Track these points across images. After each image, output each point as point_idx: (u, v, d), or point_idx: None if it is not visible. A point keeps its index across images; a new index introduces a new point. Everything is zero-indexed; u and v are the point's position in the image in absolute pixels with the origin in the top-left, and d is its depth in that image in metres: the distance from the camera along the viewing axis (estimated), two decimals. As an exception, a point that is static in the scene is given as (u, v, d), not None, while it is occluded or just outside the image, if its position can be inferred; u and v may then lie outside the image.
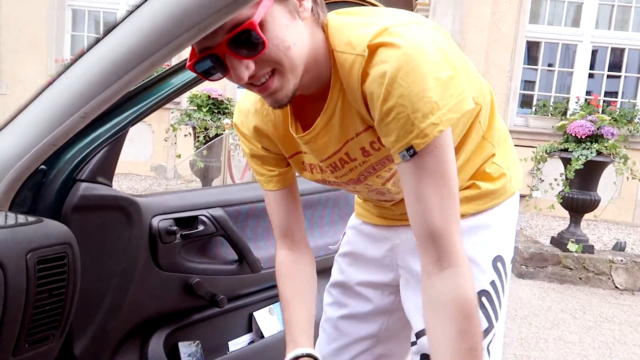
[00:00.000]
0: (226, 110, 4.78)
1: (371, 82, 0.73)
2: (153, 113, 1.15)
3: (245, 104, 0.95)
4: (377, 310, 1.13)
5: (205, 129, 4.57)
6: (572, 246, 3.98)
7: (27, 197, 0.99)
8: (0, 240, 0.73)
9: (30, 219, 0.83)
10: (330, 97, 0.80)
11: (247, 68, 0.71)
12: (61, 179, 1.03)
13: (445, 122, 0.71)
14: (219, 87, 5.26)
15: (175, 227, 1.23)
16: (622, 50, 6.83)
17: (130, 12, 0.69)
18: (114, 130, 1.06)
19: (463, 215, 0.92)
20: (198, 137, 4.62)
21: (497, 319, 0.96)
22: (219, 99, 4.78)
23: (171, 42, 0.68)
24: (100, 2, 7.27)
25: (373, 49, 0.72)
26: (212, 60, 0.71)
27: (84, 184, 1.04)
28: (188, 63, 0.73)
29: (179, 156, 4.90)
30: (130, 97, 1.11)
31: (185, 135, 5.08)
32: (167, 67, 1.20)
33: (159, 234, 1.20)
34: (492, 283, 0.96)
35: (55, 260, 0.80)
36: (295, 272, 1.04)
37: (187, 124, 4.82)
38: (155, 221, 1.20)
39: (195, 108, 4.73)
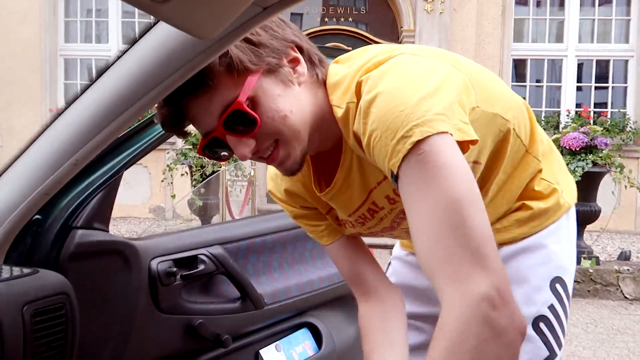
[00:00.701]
0: (221, 147, 4.80)
1: (356, 123, 0.71)
2: (148, 154, 1.15)
3: (273, 170, 0.95)
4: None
5: (202, 167, 4.58)
6: (585, 262, 3.94)
7: (22, 248, 0.98)
8: (-5, 295, 0.72)
9: (26, 270, 0.82)
10: (345, 150, 0.78)
11: (247, 145, 0.71)
12: (57, 227, 1.02)
13: (417, 134, 0.62)
14: (213, 125, 5.31)
15: (175, 268, 1.22)
16: (607, 61, 6.95)
17: (118, 57, 0.69)
18: (108, 175, 1.06)
19: (515, 240, 0.87)
20: (194, 175, 4.63)
21: (559, 346, 0.88)
22: (214, 137, 4.81)
23: (160, 83, 0.68)
24: (92, 50, 7.40)
25: (358, 91, 0.72)
26: (215, 143, 0.73)
27: (80, 231, 1.03)
28: (198, 149, 0.76)
29: (174, 196, 4.90)
30: (123, 141, 1.11)
31: (182, 175, 5.09)
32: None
33: (158, 276, 1.18)
34: (551, 307, 0.88)
35: (52, 311, 0.78)
36: (372, 324, 0.92)
37: (183, 163, 4.84)
38: (154, 263, 1.18)
39: (191, 147, 4.75)
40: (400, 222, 0.87)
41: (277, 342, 1.52)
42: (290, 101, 0.72)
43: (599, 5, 6.87)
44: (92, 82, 0.73)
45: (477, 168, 0.80)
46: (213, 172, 4.61)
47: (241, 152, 0.71)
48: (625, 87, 6.97)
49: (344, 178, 0.81)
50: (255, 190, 5.27)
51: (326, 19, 6.98)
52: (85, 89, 0.75)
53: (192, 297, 1.29)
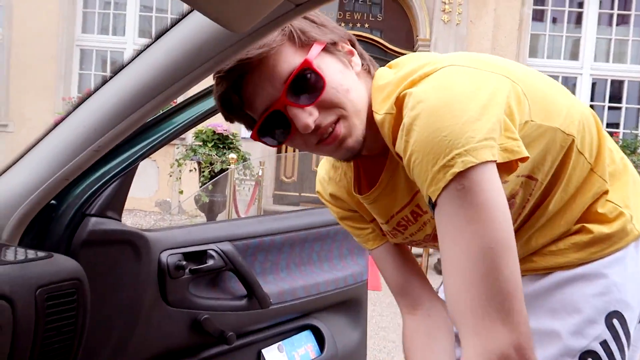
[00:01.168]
0: (231, 145, 4.82)
1: (398, 139, 0.68)
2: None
3: (322, 172, 0.95)
4: None
5: (211, 163, 4.59)
6: None
7: (36, 232, 0.98)
8: (10, 276, 0.72)
9: (40, 254, 0.82)
10: (391, 152, 0.76)
11: (311, 114, 0.70)
12: (71, 213, 1.02)
13: (459, 164, 0.60)
14: (224, 123, 5.32)
15: (184, 262, 1.22)
16: (622, 82, 6.91)
17: (146, 47, 0.70)
18: (124, 165, 1.06)
19: (571, 265, 0.80)
20: (203, 172, 4.64)
21: None
22: (224, 134, 4.82)
23: (187, 75, 0.68)
24: (108, 42, 7.45)
25: (400, 104, 0.69)
26: (273, 120, 0.71)
27: (93, 219, 1.04)
28: (251, 133, 0.74)
29: (182, 192, 4.91)
30: (141, 132, 1.11)
31: (190, 171, 5.10)
32: (174, 104, 1.21)
33: (167, 269, 1.18)
34: (604, 343, 0.79)
35: (65, 296, 0.79)
36: (417, 341, 0.88)
37: (192, 159, 4.86)
38: (164, 256, 1.18)
39: (201, 143, 4.77)
40: None
41: (280, 342, 1.51)
42: (350, 80, 0.73)
43: (617, 25, 6.85)
44: (119, 69, 0.74)
45: (531, 184, 0.75)
46: (222, 170, 4.62)
47: (304, 122, 0.69)
48: (638, 109, 6.94)
49: (389, 179, 0.79)
50: (262, 190, 5.28)
51: (342, 24, 7.00)
52: (111, 77, 0.75)
53: (199, 292, 1.29)
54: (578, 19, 6.88)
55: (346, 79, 0.72)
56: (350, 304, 1.72)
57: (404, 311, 0.92)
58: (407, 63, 0.76)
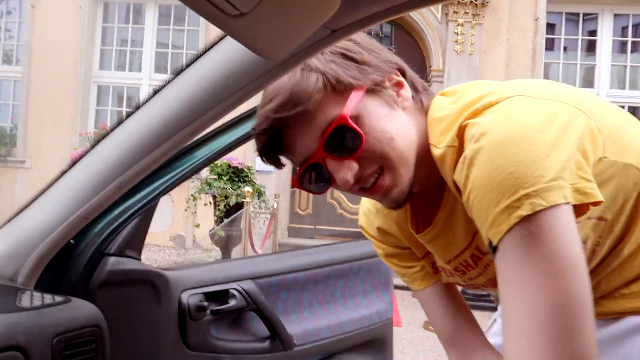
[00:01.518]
0: (246, 178, 4.80)
1: (457, 171, 0.62)
2: None
3: (367, 204, 0.89)
4: None
5: (226, 197, 4.57)
6: None
7: (54, 273, 0.94)
8: (26, 325, 0.67)
9: (58, 299, 0.78)
10: (447, 188, 0.69)
11: (349, 169, 0.65)
12: (89, 253, 0.98)
13: (526, 207, 0.53)
14: (239, 156, 5.32)
15: (206, 302, 1.16)
16: (637, 108, 6.84)
17: (171, 79, 0.66)
18: (144, 201, 1.02)
19: None
20: (218, 205, 4.61)
21: None
22: (239, 167, 4.81)
23: (215, 107, 0.65)
24: (124, 78, 7.59)
25: (461, 135, 0.62)
26: (313, 171, 0.68)
27: (112, 259, 0.99)
28: (293, 181, 0.70)
29: (198, 226, 4.87)
30: (161, 167, 1.08)
31: (205, 204, 5.08)
32: (203, 135, 1.17)
33: (188, 310, 1.13)
34: None
35: (84, 345, 0.73)
36: None
37: (207, 193, 4.84)
38: (184, 296, 1.13)
39: (216, 177, 4.76)
40: None
41: (304, 386, 1.43)
42: (396, 124, 0.67)
43: (631, 52, 6.82)
44: (143, 103, 0.70)
45: (600, 224, 0.68)
46: (237, 204, 4.59)
47: (343, 178, 0.65)
48: (658, 135, 6.83)
49: (446, 218, 0.73)
50: (277, 223, 5.22)
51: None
52: (134, 110, 0.72)
53: (221, 334, 1.22)
54: (591, 47, 6.87)
55: (391, 124, 0.67)
56: (375, 343, 1.64)
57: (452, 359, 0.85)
58: (466, 92, 0.69)
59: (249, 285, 1.26)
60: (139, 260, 1.05)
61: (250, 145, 6.39)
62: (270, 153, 0.70)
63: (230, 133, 1.21)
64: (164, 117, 0.66)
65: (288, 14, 0.49)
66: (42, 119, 7.33)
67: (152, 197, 1.04)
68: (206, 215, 5.33)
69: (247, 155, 5.99)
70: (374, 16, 0.58)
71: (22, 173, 7.29)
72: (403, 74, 0.71)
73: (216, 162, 4.83)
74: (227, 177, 4.75)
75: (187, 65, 0.65)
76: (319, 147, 0.65)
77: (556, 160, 0.56)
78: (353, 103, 0.65)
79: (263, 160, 0.72)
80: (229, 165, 4.79)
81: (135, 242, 1.04)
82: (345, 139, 0.64)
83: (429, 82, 6.56)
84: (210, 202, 5.02)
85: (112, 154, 0.71)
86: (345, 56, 0.66)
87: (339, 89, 0.65)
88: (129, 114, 0.71)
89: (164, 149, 0.68)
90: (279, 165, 0.73)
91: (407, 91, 0.70)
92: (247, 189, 4.46)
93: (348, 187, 0.66)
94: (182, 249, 6.57)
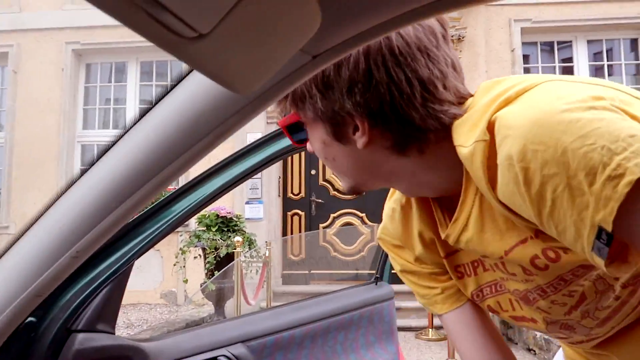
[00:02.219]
0: (236, 228, 4.67)
1: (500, 171, 0.53)
2: None
3: (388, 207, 0.80)
4: None
5: (216, 248, 4.42)
6: None
7: (14, 356, 0.81)
8: None
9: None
10: (462, 204, 0.63)
11: (310, 145, 0.69)
12: (54, 330, 0.86)
13: (634, 169, 0.45)
14: (227, 205, 5.21)
15: (192, 376, 1.03)
16: None
17: (132, 125, 0.57)
18: (115, 267, 0.91)
19: None
20: (207, 257, 4.46)
21: None
22: (228, 217, 4.69)
23: (180, 156, 0.55)
24: (109, 136, 7.52)
25: (492, 128, 0.55)
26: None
27: (80, 335, 0.87)
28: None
29: (186, 281, 4.69)
30: (134, 227, 0.97)
31: (195, 257, 4.91)
32: (173, 190, 1.08)
33: (172, 387, 0.99)
34: None
35: None
36: None
37: (196, 246, 4.68)
38: (167, 371, 1.00)
39: (204, 228, 4.62)
40: (537, 300, 0.65)
41: None
42: (335, 152, 0.69)
43: (608, 75, 6.95)
44: (99, 156, 0.61)
45: None
46: (227, 255, 4.43)
47: (308, 147, 0.70)
48: None
49: (458, 234, 0.65)
50: (270, 271, 5.05)
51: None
52: (89, 166, 0.62)
53: (211, 410, 1.09)
54: (567, 73, 6.99)
55: (329, 152, 0.69)
56: (384, 400, 1.50)
57: None
58: (483, 93, 0.60)
59: (239, 350, 1.13)
60: (113, 334, 0.93)
61: (239, 193, 6.30)
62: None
63: (212, 181, 1.12)
64: (123, 171, 0.56)
65: (257, 37, 0.41)
66: (26, 182, 7.20)
67: (124, 260, 0.93)
68: (197, 269, 5.15)
69: (235, 204, 5.87)
70: (359, 37, 0.49)
71: (6, 239, 7.07)
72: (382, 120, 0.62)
73: (204, 213, 4.71)
74: (216, 227, 4.62)
75: (148, 110, 0.56)
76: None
77: (632, 123, 0.48)
78: (307, 116, 0.65)
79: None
80: (217, 215, 4.66)
81: (108, 314, 0.91)
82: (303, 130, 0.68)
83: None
84: (200, 255, 4.86)
85: (65, 218, 0.61)
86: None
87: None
88: (83, 171, 0.61)
89: (125, 208, 0.58)
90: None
91: (362, 138, 0.63)
92: (237, 238, 4.32)
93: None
94: (174, 305, 6.33)
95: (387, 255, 1.73)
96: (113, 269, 0.90)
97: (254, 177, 6.55)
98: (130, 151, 0.57)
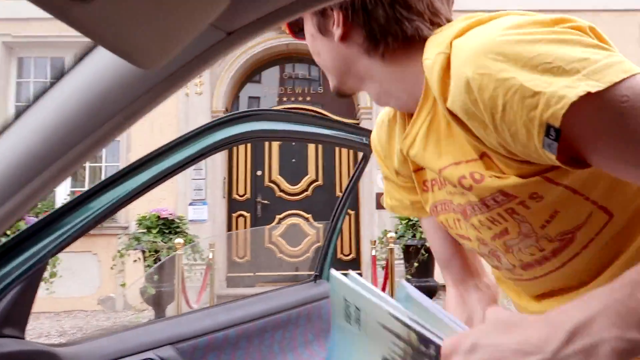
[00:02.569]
0: (178, 230, 4.54)
1: (454, 81, 0.56)
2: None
3: (382, 114, 0.87)
4: None
5: (156, 251, 4.27)
6: None
7: None
8: None
9: None
10: (414, 121, 0.68)
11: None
12: (-47, 337, 0.78)
13: (595, 74, 0.48)
14: (169, 206, 5.05)
15: (113, 381, 0.97)
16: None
17: (28, 105, 0.52)
18: (27, 265, 0.84)
19: None
20: (146, 261, 4.30)
21: None
22: (170, 218, 4.55)
23: (85, 138, 0.51)
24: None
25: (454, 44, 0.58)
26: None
27: (-16, 341, 0.79)
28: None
29: (124, 285, 4.51)
30: (50, 221, 0.90)
31: (134, 261, 4.73)
32: (101, 181, 1.01)
33: (90, 393, 0.93)
34: None
35: None
36: (460, 312, 0.85)
37: (136, 249, 4.51)
38: (85, 377, 0.94)
39: (145, 230, 4.46)
40: (470, 216, 0.69)
41: None
42: (320, 46, 0.75)
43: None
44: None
45: None
46: (168, 257, 4.29)
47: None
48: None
49: (411, 141, 0.70)
50: (214, 274, 4.94)
51: (284, 99, 7.07)
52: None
53: (136, 417, 1.03)
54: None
55: (315, 45, 0.76)
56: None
57: (447, 283, 0.89)
58: (466, 18, 0.63)
59: (168, 352, 1.08)
60: (23, 338, 0.85)
61: (182, 194, 6.12)
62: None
63: (137, 176, 1.06)
64: (13, 158, 0.51)
65: (155, 4, 0.37)
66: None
67: (37, 259, 0.86)
68: (137, 273, 4.96)
69: (178, 205, 5.71)
70: (275, 14, 0.47)
71: None
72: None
73: (144, 214, 4.54)
74: (157, 229, 4.47)
75: (47, 88, 0.51)
76: None
77: (591, 43, 0.52)
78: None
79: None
80: (159, 216, 4.52)
81: (17, 317, 0.84)
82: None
83: (357, 119, 6.65)
84: (140, 258, 4.68)
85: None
86: None
87: None
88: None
89: (21, 197, 0.52)
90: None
91: (338, 29, 0.70)
92: (178, 240, 4.19)
93: None
94: (112, 312, 6.07)
95: (326, 254, 1.72)
96: (23, 268, 0.83)
97: (198, 178, 6.38)
98: (27, 135, 0.51)
